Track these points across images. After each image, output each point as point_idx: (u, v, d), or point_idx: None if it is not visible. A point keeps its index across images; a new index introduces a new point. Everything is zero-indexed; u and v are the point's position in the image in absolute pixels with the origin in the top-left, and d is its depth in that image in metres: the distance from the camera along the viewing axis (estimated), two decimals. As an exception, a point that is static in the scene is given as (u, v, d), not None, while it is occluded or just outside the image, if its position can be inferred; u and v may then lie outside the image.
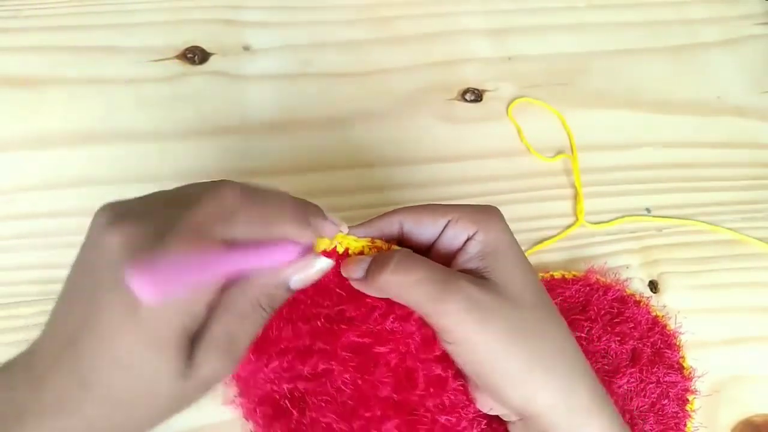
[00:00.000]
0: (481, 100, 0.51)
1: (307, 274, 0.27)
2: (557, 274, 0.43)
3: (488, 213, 0.29)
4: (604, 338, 0.39)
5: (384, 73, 0.52)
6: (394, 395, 0.29)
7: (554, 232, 0.47)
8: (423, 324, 0.29)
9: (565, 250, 0.46)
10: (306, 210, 0.28)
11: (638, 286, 0.45)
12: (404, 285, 0.27)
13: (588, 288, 0.42)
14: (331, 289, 0.30)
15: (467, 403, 0.30)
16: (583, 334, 0.39)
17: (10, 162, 0.45)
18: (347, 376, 0.29)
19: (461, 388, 0.30)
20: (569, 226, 0.47)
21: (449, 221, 0.29)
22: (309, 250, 0.27)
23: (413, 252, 0.29)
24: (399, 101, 0.51)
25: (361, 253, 0.30)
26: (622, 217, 0.47)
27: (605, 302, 0.41)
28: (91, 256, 0.24)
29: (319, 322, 0.29)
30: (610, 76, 0.54)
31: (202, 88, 0.49)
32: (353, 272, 0.29)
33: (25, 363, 0.26)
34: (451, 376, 0.30)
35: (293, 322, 0.30)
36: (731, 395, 0.42)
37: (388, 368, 0.29)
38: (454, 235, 0.29)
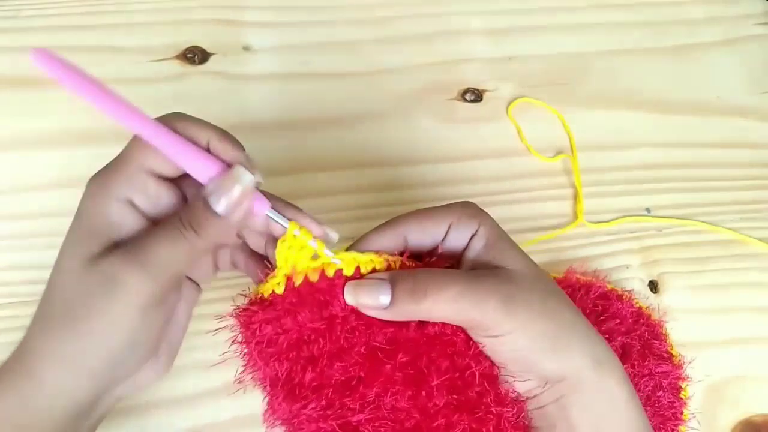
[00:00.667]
0: (481, 100, 0.51)
1: (229, 193, 0.27)
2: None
3: (478, 208, 0.31)
4: None
5: (384, 73, 0.52)
6: (454, 399, 0.28)
7: (554, 231, 0.47)
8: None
9: (565, 250, 0.46)
10: (237, 146, 0.29)
11: (638, 286, 0.45)
12: (441, 306, 0.27)
13: (570, 289, 0.42)
14: (349, 315, 0.28)
15: (513, 393, 0.30)
16: None
17: (10, 162, 0.46)
18: (399, 393, 0.28)
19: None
20: (569, 224, 0.47)
21: (451, 224, 0.30)
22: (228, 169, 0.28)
23: (429, 267, 0.29)
24: (399, 101, 0.51)
25: (374, 270, 0.28)
26: (623, 217, 0.47)
27: (589, 301, 0.41)
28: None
29: (355, 354, 0.28)
30: (610, 76, 0.54)
31: (202, 88, 0.49)
32: (373, 300, 0.27)
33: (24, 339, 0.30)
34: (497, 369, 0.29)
35: (317, 361, 0.28)
36: (731, 395, 0.42)
37: (440, 373, 0.28)
38: (458, 236, 0.30)
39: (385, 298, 0.27)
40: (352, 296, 0.28)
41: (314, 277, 0.28)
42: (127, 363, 0.29)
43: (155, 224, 0.28)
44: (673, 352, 0.41)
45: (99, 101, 0.27)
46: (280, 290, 0.28)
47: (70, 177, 0.45)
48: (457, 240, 0.30)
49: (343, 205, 0.46)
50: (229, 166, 0.28)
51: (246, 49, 0.51)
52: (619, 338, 0.39)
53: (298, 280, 0.28)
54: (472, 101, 0.51)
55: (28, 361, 0.28)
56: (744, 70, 0.55)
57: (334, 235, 0.30)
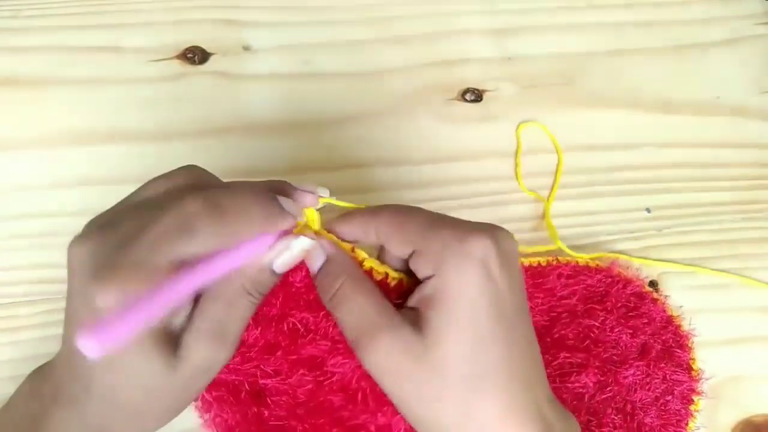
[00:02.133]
0: (481, 100, 0.51)
1: (289, 256, 0.27)
2: (581, 260, 0.43)
3: (453, 253, 0.25)
4: (617, 329, 0.40)
5: (384, 73, 0.52)
6: (344, 411, 0.29)
7: (554, 232, 0.47)
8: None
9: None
10: (272, 202, 0.27)
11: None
12: (336, 316, 0.27)
13: (610, 279, 0.42)
14: (300, 294, 0.30)
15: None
16: (596, 323, 0.39)
17: (11, 162, 0.45)
18: (305, 382, 0.30)
19: None
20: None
21: (414, 251, 0.27)
22: (289, 231, 0.28)
23: (363, 279, 0.28)
24: (399, 101, 0.51)
25: (385, 279, 0.29)
26: (600, 254, 0.45)
27: (623, 295, 0.41)
28: (68, 269, 0.26)
29: (285, 326, 0.29)
30: (610, 76, 0.54)
31: (202, 88, 0.49)
32: (310, 263, 0.28)
33: (48, 373, 0.28)
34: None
35: (259, 322, 0.30)
36: (731, 395, 0.42)
37: (341, 383, 0.29)
38: (418, 268, 0.27)
39: (314, 267, 0.28)
40: (309, 255, 0.28)
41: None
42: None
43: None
44: (694, 366, 0.41)
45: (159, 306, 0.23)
46: None
47: (71, 177, 0.45)
48: (417, 270, 0.27)
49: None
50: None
51: (246, 49, 0.51)
52: (643, 337, 0.40)
53: None
54: (472, 101, 0.51)
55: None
56: (744, 70, 0.55)
57: (325, 192, 0.31)
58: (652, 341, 0.40)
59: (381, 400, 0.29)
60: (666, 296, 0.44)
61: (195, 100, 0.49)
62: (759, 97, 0.54)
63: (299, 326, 0.29)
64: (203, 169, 0.29)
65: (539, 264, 0.41)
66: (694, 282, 0.46)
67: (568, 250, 0.44)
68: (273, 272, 0.27)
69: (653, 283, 0.46)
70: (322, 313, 0.29)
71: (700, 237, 0.48)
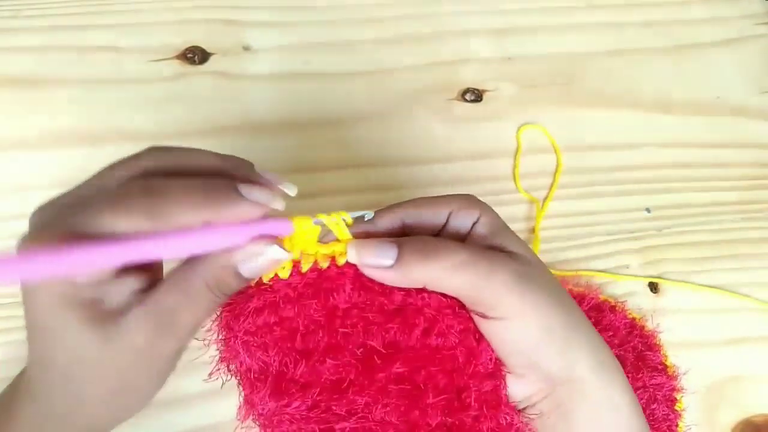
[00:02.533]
0: (481, 100, 0.51)
1: (258, 263, 0.25)
2: None
3: (476, 199, 0.30)
4: None
5: (384, 73, 0.52)
6: (448, 419, 0.26)
7: (554, 232, 0.47)
8: (464, 335, 0.27)
9: (565, 250, 0.46)
10: (221, 188, 0.25)
11: (638, 287, 0.45)
12: (448, 270, 0.25)
13: None
14: (351, 311, 0.27)
15: (519, 422, 0.28)
16: None
17: (11, 162, 0.46)
18: (391, 407, 0.26)
19: (512, 407, 0.28)
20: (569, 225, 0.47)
21: (450, 213, 0.29)
22: (273, 239, 0.25)
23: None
24: (399, 101, 0.51)
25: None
26: (584, 270, 0.45)
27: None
28: None
29: (348, 354, 0.26)
30: (610, 76, 0.54)
31: (202, 88, 0.49)
32: (377, 258, 0.26)
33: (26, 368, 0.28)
34: (505, 394, 0.28)
35: (310, 356, 0.26)
36: (731, 395, 0.42)
37: (437, 391, 0.26)
38: (460, 224, 0.28)
39: (389, 258, 0.26)
40: (355, 253, 0.26)
41: (324, 264, 0.27)
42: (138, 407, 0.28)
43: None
44: (668, 363, 0.41)
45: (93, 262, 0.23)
46: (284, 275, 0.26)
47: (70, 177, 0.45)
48: (458, 228, 0.29)
49: (343, 206, 0.45)
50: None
51: (246, 49, 0.51)
52: (613, 350, 0.38)
53: (306, 266, 0.26)
54: (472, 101, 0.51)
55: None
56: (744, 70, 0.55)
57: (293, 191, 0.28)
58: (623, 352, 0.39)
59: (488, 396, 0.27)
60: (623, 301, 0.43)
61: (195, 100, 0.49)
62: (759, 97, 0.54)
63: (374, 347, 0.26)
64: (160, 152, 0.27)
65: None
66: (694, 282, 0.46)
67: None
68: (239, 275, 0.25)
69: (653, 283, 0.46)
70: (393, 328, 0.26)
71: (700, 237, 0.48)
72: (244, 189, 0.25)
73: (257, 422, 0.29)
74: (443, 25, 0.54)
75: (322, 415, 0.26)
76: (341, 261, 0.27)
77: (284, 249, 0.25)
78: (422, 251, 0.26)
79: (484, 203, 0.29)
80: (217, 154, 0.27)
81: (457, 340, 0.27)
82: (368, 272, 0.26)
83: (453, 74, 0.52)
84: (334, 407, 0.26)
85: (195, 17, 0.52)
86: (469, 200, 0.29)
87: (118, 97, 0.48)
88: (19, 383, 0.28)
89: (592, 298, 0.42)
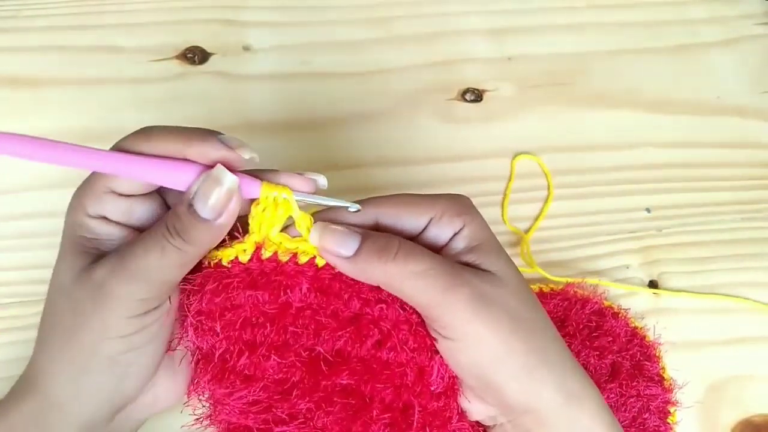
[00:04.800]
0: (481, 100, 0.51)
1: (214, 195, 0.25)
2: (534, 288, 0.42)
3: (468, 205, 0.28)
4: (583, 353, 0.38)
5: (384, 73, 0.52)
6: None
7: (554, 232, 0.47)
8: (417, 353, 0.26)
9: (565, 250, 0.46)
10: (205, 132, 0.27)
11: (638, 287, 0.45)
12: (406, 275, 0.25)
13: (566, 302, 0.41)
14: (304, 311, 0.26)
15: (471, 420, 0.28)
16: None
17: (10, 162, 0.45)
18: (333, 417, 0.25)
19: (468, 426, 0.28)
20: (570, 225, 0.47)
21: (432, 219, 0.27)
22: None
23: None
24: (399, 101, 0.51)
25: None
26: (580, 276, 0.44)
27: (583, 316, 0.40)
28: None
29: (293, 354, 0.25)
30: (610, 76, 0.54)
31: (202, 88, 0.49)
32: (338, 246, 0.25)
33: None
34: (456, 413, 0.27)
35: (256, 348, 0.26)
36: (731, 395, 0.42)
37: (382, 406, 0.26)
38: (439, 233, 0.27)
39: (349, 248, 0.25)
40: (317, 236, 0.26)
41: (284, 257, 0.26)
42: (132, 375, 0.28)
43: (141, 231, 0.28)
44: (665, 376, 0.41)
45: (40, 155, 0.26)
46: (244, 258, 0.26)
47: (70, 177, 0.45)
48: (436, 237, 0.27)
49: (343, 205, 0.46)
50: (209, 167, 0.26)
51: (246, 49, 0.51)
52: (610, 356, 0.39)
53: (267, 252, 0.26)
54: (472, 101, 0.51)
55: (35, 380, 0.28)
56: (744, 70, 0.55)
57: (323, 181, 0.29)
58: (620, 359, 0.39)
59: (434, 415, 0.26)
60: (627, 309, 0.43)
61: (195, 100, 0.49)
62: (759, 97, 0.54)
63: (322, 352, 0.25)
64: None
65: None
66: (695, 282, 0.46)
67: (549, 276, 0.42)
68: (194, 213, 0.25)
69: (653, 283, 0.46)
70: (347, 331, 0.25)
71: (700, 237, 0.48)
72: (224, 138, 0.27)
73: (205, 405, 0.29)
74: (443, 25, 0.54)
75: (261, 414, 0.26)
76: (303, 260, 0.26)
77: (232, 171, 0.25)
78: (384, 250, 0.25)
79: (472, 210, 0.28)
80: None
81: (408, 357, 0.26)
82: (325, 257, 0.26)
83: (453, 74, 0.52)
84: (275, 408, 0.25)
85: (195, 17, 0.52)
86: (456, 206, 0.27)
87: (118, 97, 0.48)
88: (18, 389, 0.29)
89: (596, 303, 0.42)
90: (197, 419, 0.29)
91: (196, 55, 0.50)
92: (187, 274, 0.27)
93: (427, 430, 0.26)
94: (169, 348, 0.29)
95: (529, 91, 0.52)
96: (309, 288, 0.26)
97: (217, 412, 0.27)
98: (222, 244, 0.27)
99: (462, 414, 0.27)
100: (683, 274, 0.46)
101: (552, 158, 0.50)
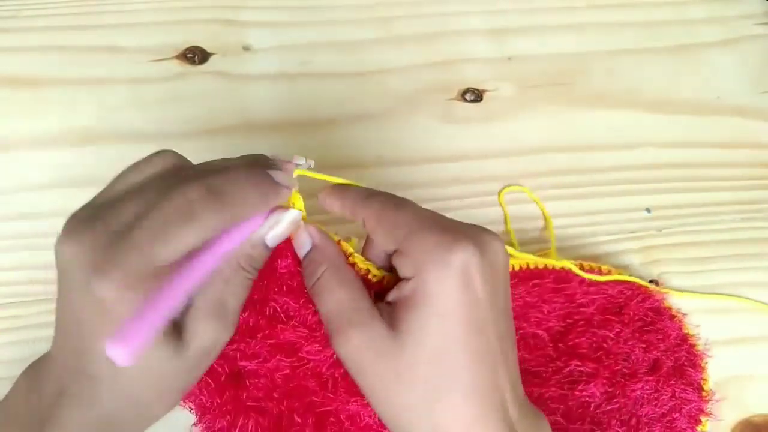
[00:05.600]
0: (481, 100, 0.51)
1: (279, 229, 0.28)
2: (605, 268, 0.43)
3: (441, 263, 0.24)
4: (630, 342, 0.39)
5: (384, 73, 0.52)
6: (316, 398, 0.30)
7: (556, 231, 0.47)
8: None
9: (565, 250, 0.46)
10: (266, 178, 0.26)
11: (638, 286, 0.45)
12: (317, 303, 0.28)
13: (630, 292, 0.42)
14: (284, 279, 0.30)
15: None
16: (611, 334, 0.39)
17: (10, 162, 0.45)
18: (282, 367, 0.30)
19: None
20: (570, 225, 0.47)
21: (396, 250, 0.27)
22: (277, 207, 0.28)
23: (346, 270, 0.28)
24: (399, 101, 0.51)
25: (367, 275, 0.29)
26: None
27: (641, 309, 0.41)
28: (58, 267, 0.26)
29: (267, 310, 0.30)
30: (610, 76, 0.54)
31: (202, 88, 0.49)
32: (297, 248, 0.29)
33: (46, 369, 0.27)
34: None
35: (254, 303, 0.30)
36: (731, 395, 0.42)
37: (315, 371, 0.30)
38: (398, 266, 0.27)
39: (300, 252, 0.29)
40: (293, 236, 0.29)
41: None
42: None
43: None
44: (705, 387, 0.41)
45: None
46: None
47: (70, 177, 0.45)
48: (397, 267, 0.27)
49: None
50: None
51: (246, 49, 0.51)
52: (655, 352, 0.39)
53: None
54: (472, 101, 0.51)
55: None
56: (744, 70, 0.55)
57: (301, 160, 0.30)
58: (664, 357, 0.39)
59: (352, 389, 0.29)
60: (684, 314, 0.43)
61: (195, 100, 0.49)
62: (759, 97, 0.54)
63: (280, 311, 0.30)
64: (178, 154, 0.28)
65: (562, 269, 0.39)
66: (695, 282, 0.46)
67: (580, 272, 0.41)
68: (266, 246, 0.28)
69: (653, 283, 0.46)
70: (302, 300, 0.29)
71: (700, 237, 0.48)
72: (277, 176, 0.27)
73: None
74: (443, 25, 0.54)
75: (231, 352, 0.30)
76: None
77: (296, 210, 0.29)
78: (309, 276, 0.28)
79: (440, 268, 0.24)
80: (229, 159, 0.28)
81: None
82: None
83: (453, 74, 0.52)
84: (243, 347, 0.30)
85: (195, 17, 0.52)
86: (424, 254, 0.25)
87: (118, 97, 0.48)
88: (42, 388, 0.27)
89: (657, 301, 0.42)
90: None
91: (196, 55, 0.50)
92: None
93: (350, 400, 0.30)
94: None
95: (529, 91, 0.52)
96: (290, 261, 0.30)
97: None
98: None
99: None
100: (683, 274, 0.46)
101: (552, 158, 0.50)
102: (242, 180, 0.25)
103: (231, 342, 0.29)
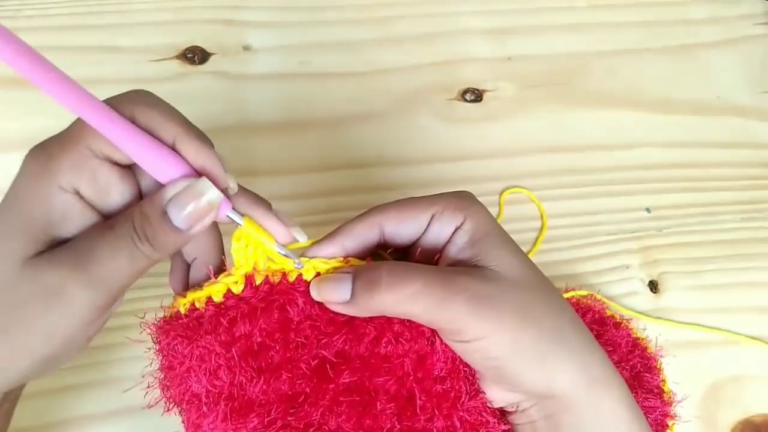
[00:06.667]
0: (481, 100, 0.51)
1: (192, 205, 0.24)
2: None
3: (469, 199, 0.28)
4: None
5: (384, 73, 0.52)
6: (397, 425, 0.26)
7: (555, 231, 0.47)
8: (414, 342, 0.27)
9: (565, 250, 0.46)
10: (202, 141, 0.26)
11: (638, 287, 0.45)
12: (402, 300, 0.25)
13: None
14: (303, 323, 0.27)
15: (487, 419, 0.28)
16: None
17: (10, 162, 0.45)
18: (345, 416, 0.26)
19: (481, 405, 0.28)
20: (569, 225, 0.47)
21: (434, 215, 0.27)
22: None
23: (397, 260, 0.27)
24: (399, 101, 0.51)
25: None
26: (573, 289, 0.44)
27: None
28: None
29: (303, 365, 0.26)
30: (610, 76, 0.54)
31: (202, 88, 0.49)
32: (335, 294, 0.26)
33: None
34: (465, 393, 0.27)
35: (267, 372, 0.26)
36: (731, 395, 0.42)
37: (388, 397, 0.26)
38: (441, 229, 0.27)
39: (346, 292, 0.25)
40: (316, 291, 0.26)
41: (276, 278, 0.26)
42: (58, 364, 0.26)
43: (104, 218, 0.26)
44: (665, 388, 0.40)
45: (32, 73, 0.22)
46: (237, 289, 0.26)
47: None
48: (439, 234, 0.27)
49: (343, 206, 0.46)
50: (192, 168, 0.25)
51: (246, 49, 0.51)
52: None
53: (258, 280, 0.26)
54: (472, 101, 0.51)
55: None
56: (744, 70, 0.55)
57: (303, 238, 0.28)
58: (619, 369, 0.37)
59: (440, 398, 0.27)
60: (629, 319, 0.43)
61: (195, 100, 0.49)
62: (759, 97, 0.54)
63: (320, 356, 0.26)
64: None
65: None
66: (695, 282, 0.46)
67: None
68: (166, 219, 0.24)
69: (653, 283, 0.46)
70: (344, 333, 0.26)
71: (700, 237, 0.48)
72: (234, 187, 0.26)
73: None
74: (443, 25, 0.54)
75: (280, 431, 0.26)
76: (292, 277, 0.27)
77: (216, 186, 0.25)
78: (374, 282, 0.25)
79: (474, 203, 0.28)
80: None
81: (405, 348, 0.27)
82: (331, 307, 0.26)
83: (453, 74, 0.52)
84: (291, 421, 0.26)
85: (195, 17, 0.52)
86: (456, 200, 0.27)
87: (118, 97, 0.48)
88: None
89: (598, 312, 0.41)
90: None
91: (196, 55, 0.50)
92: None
93: (436, 412, 0.27)
94: (153, 404, 0.27)
95: (529, 91, 0.52)
96: (304, 301, 0.26)
97: None
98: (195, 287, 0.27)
99: (473, 394, 0.28)
100: (683, 274, 0.46)
101: (552, 158, 0.50)
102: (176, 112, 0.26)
103: (273, 423, 0.26)
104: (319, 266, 0.27)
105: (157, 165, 0.24)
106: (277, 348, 0.26)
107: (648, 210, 0.49)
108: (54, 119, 0.47)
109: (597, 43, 0.55)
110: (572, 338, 0.26)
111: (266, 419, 0.26)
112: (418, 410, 0.26)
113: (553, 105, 0.52)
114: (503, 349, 0.25)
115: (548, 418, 0.26)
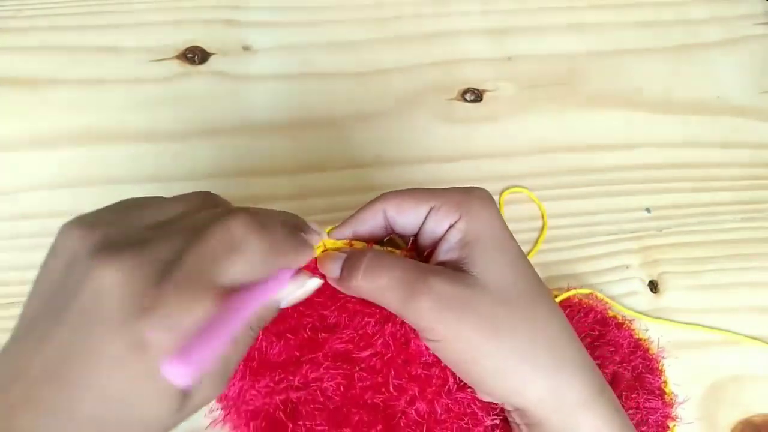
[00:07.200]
0: (481, 100, 0.51)
1: (301, 293, 0.27)
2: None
3: (473, 197, 0.28)
4: None
5: (384, 73, 0.52)
6: (376, 399, 0.28)
7: (555, 231, 0.47)
8: (401, 324, 0.29)
9: (565, 250, 0.46)
10: (298, 234, 0.26)
11: (638, 287, 0.45)
12: (374, 290, 0.26)
13: (569, 309, 0.41)
14: (311, 297, 0.29)
15: (474, 411, 0.29)
16: None
17: (10, 162, 0.45)
18: (335, 382, 0.29)
19: (470, 397, 0.29)
20: (568, 225, 0.47)
21: (431, 208, 0.28)
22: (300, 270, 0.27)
23: (384, 251, 0.28)
24: (399, 101, 0.51)
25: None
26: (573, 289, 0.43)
27: (586, 324, 0.40)
28: (74, 286, 0.22)
29: (305, 333, 0.29)
30: (610, 76, 0.54)
31: (202, 88, 0.49)
32: (329, 270, 0.28)
33: (12, 370, 0.23)
34: (454, 383, 0.29)
35: (281, 336, 0.29)
36: (731, 395, 0.42)
37: (372, 373, 0.28)
38: (437, 223, 0.28)
39: (336, 271, 0.27)
40: (320, 264, 0.28)
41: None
42: None
43: None
44: (666, 390, 0.40)
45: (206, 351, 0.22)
46: None
47: (70, 177, 0.45)
48: (434, 228, 0.28)
49: (342, 206, 0.46)
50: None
51: (246, 49, 0.51)
52: (611, 366, 0.38)
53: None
54: (472, 101, 0.51)
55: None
56: (744, 70, 0.55)
57: (324, 234, 0.29)
58: (621, 370, 0.38)
59: (416, 381, 0.28)
60: (631, 319, 0.42)
61: (195, 100, 0.49)
62: (759, 97, 0.54)
63: (317, 324, 0.29)
64: (216, 195, 0.27)
65: None
66: (695, 282, 0.46)
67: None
68: (277, 309, 0.26)
69: (653, 283, 0.46)
70: (334, 306, 0.29)
71: (700, 237, 0.48)
72: (308, 236, 0.27)
73: (220, 405, 0.32)
74: (443, 25, 0.54)
75: (282, 387, 0.29)
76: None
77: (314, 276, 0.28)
78: (355, 268, 0.26)
79: (477, 202, 0.28)
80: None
81: (392, 330, 0.29)
82: (329, 281, 0.28)
83: (453, 74, 0.52)
84: (290, 379, 0.29)
85: (195, 17, 0.52)
86: (460, 197, 0.28)
87: (118, 97, 0.48)
88: (5, 388, 0.22)
89: (600, 312, 0.41)
90: (213, 421, 0.31)
91: (196, 55, 0.50)
92: None
93: (418, 395, 0.28)
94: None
95: (529, 91, 0.52)
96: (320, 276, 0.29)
97: (239, 404, 0.30)
98: None
99: (463, 386, 0.29)
100: (683, 274, 0.46)
101: (552, 158, 0.50)
102: (280, 224, 0.25)
103: (282, 380, 0.29)
104: (328, 244, 0.29)
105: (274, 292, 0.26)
106: (295, 316, 0.29)
107: (648, 210, 0.49)
108: (54, 119, 0.47)
109: (597, 43, 0.55)
110: (550, 357, 0.26)
111: (276, 377, 0.29)
112: (391, 388, 0.28)
113: (553, 105, 0.52)
114: (462, 354, 0.26)
115: (528, 426, 0.26)
